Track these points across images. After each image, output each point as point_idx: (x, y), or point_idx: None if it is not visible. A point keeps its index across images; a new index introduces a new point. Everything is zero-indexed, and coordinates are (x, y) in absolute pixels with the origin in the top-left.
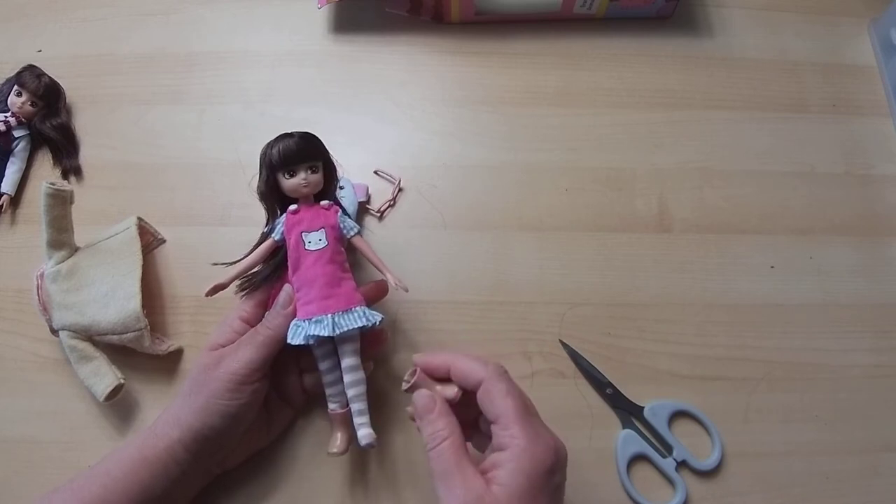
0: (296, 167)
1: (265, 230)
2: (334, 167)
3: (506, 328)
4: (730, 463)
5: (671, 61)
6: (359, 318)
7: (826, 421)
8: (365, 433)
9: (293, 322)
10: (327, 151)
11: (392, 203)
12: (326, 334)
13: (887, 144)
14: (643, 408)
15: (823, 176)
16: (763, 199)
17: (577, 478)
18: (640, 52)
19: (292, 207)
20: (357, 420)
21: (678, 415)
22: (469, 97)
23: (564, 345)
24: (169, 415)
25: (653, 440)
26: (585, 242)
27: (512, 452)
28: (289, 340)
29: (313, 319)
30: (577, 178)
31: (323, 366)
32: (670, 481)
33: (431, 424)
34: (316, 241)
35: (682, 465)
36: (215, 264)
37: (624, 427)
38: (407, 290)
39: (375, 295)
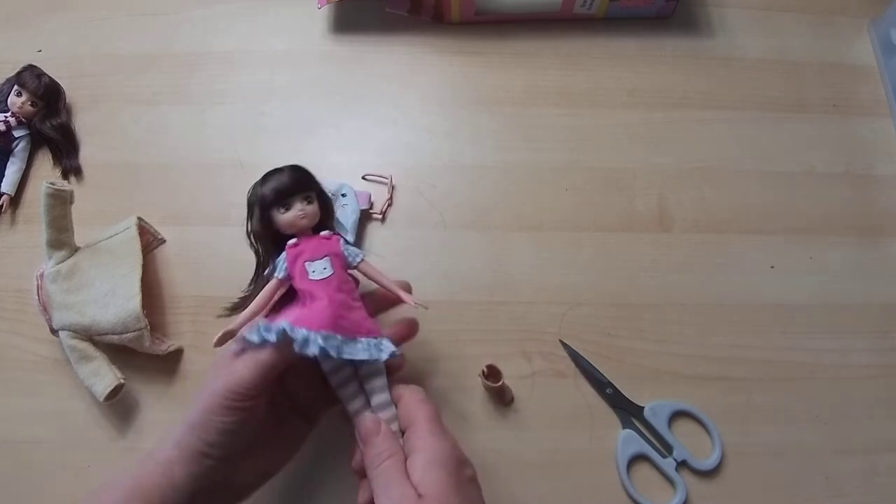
0: (290, 200)
1: (266, 273)
2: (329, 199)
3: (506, 328)
4: (730, 463)
5: (671, 61)
6: (364, 349)
7: (826, 421)
8: None
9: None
10: (319, 183)
11: (390, 202)
12: (320, 353)
13: (887, 144)
14: (643, 408)
15: (823, 176)
16: (763, 199)
17: (578, 478)
18: (640, 52)
19: (291, 241)
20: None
21: (678, 415)
22: (469, 97)
23: (564, 345)
24: (168, 435)
25: (653, 440)
26: (585, 242)
27: (421, 449)
28: (296, 349)
29: (322, 333)
30: (577, 178)
31: (346, 396)
32: (670, 481)
33: (376, 446)
34: (320, 269)
35: (682, 465)
36: (220, 316)
37: (624, 427)
38: (427, 308)
39: (406, 333)
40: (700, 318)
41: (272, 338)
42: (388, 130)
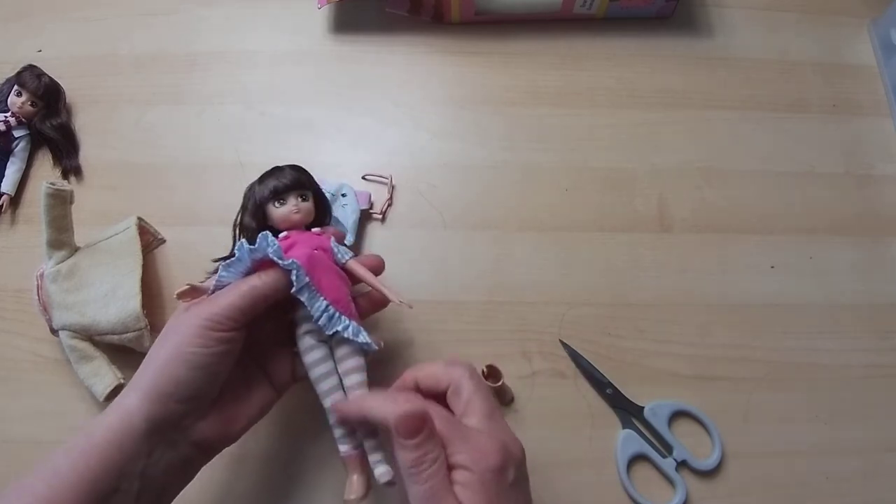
0: (286, 195)
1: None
2: (326, 200)
3: (506, 328)
4: (730, 463)
5: (671, 61)
6: (345, 326)
7: (826, 421)
8: (384, 470)
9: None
10: (316, 183)
11: (390, 202)
12: (293, 270)
13: (887, 144)
14: (643, 408)
15: (823, 176)
16: (763, 199)
17: (578, 478)
18: (640, 52)
19: (283, 234)
20: (373, 457)
21: (678, 415)
22: (469, 97)
23: (564, 345)
24: (126, 387)
25: (653, 440)
26: (585, 242)
27: (466, 459)
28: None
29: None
30: (577, 178)
31: (328, 402)
32: (670, 481)
33: (421, 447)
34: None
35: (682, 465)
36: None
37: (624, 427)
38: (412, 307)
39: (372, 306)
40: (700, 318)
41: (256, 249)
42: (388, 130)
